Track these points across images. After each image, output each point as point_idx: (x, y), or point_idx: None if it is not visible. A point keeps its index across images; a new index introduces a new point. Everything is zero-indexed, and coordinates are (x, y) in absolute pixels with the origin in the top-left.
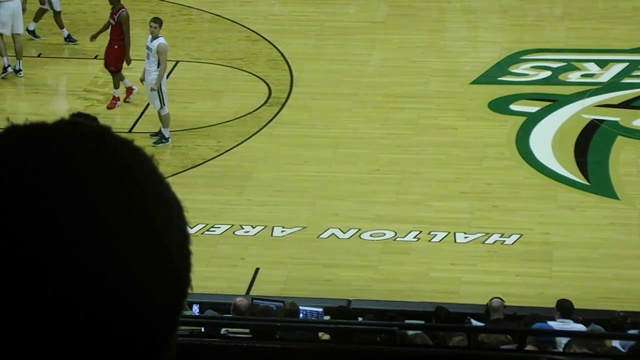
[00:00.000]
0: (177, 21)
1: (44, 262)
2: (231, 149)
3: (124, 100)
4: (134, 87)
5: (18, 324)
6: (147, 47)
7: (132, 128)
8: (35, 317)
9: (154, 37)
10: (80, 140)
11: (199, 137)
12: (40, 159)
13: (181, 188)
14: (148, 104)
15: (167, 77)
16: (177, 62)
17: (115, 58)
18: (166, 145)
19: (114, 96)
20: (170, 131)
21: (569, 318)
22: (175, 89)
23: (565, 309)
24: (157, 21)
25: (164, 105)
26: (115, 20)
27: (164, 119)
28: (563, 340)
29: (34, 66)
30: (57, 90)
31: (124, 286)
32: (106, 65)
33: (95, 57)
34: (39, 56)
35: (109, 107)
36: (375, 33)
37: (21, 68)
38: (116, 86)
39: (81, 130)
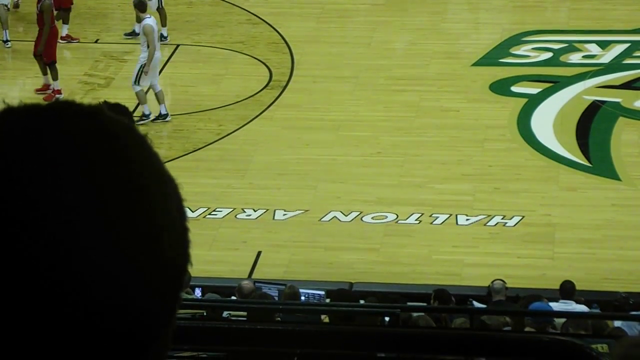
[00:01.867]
0: (178, 4)
1: (41, 243)
2: (232, 132)
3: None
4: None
5: (17, 307)
6: (135, 32)
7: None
8: (33, 301)
9: (139, 21)
10: (74, 119)
11: (200, 120)
12: (37, 138)
13: (182, 172)
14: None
15: (168, 60)
16: (178, 45)
17: (45, 48)
18: (147, 122)
19: (54, 89)
20: (171, 115)
21: (571, 299)
22: (175, 73)
23: (566, 290)
24: (138, 5)
25: (137, 83)
26: (38, 9)
27: (137, 96)
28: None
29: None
30: (59, 75)
31: (119, 266)
32: (35, 55)
33: (96, 42)
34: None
35: (45, 99)
36: (376, 15)
37: (8, 39)
38: (54, 77)
39: (74, 109)
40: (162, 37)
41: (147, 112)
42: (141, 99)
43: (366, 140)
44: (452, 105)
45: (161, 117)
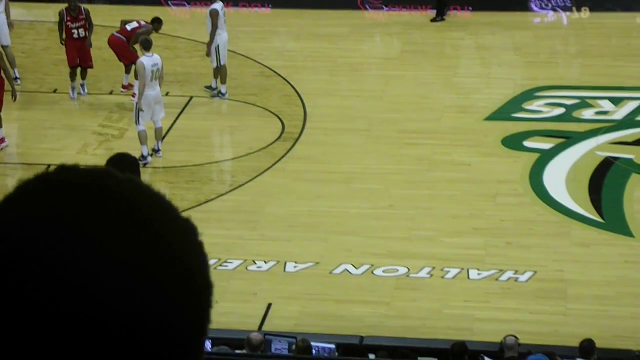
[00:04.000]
0: (192, 57)
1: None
2: (245, 184)
3: None
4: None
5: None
6: None
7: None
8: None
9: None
10: (87, 192)
11: (212, 172)
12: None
13: (195, 223)
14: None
15: (182, 111)
16: (192, 97)
17: None
18: (146, 165)
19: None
20: (185, 167)
21: (590, 359)
22: (189, 124)
23: (585, 349)
24: (143, 43)
25: (137, 123)
26: None
27: (139, 136)
28: None
29: (51, 102)
30: (73, 126)
31: (165, 303)
32: None
33: (110, 93)
34: (54, 92)
35: None
36: (388, 69)
37: (18, 76)
38: None
39: (85, 181)
40: (221, 94)
41: (145, 154)
42: (141, 140)
43: (378, 193)
44: (464, 159)
45: (155, 152)
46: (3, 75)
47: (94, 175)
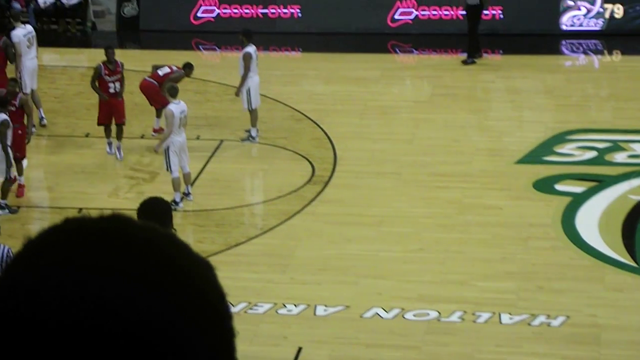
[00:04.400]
0: (222, 101)
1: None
2: (274, 227)
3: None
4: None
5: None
6: None
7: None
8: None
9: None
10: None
11: (242, 215)
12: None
13: (224, 266)
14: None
15: (212, 155)
16: (222, 140)
17: (19, 144)
18: (178, 210)
19: (21, 184)
20: (215, 210)
21: None
22: (219, 167)
23: None
24: (169, 90)
25: (169, 169)
26: (17, 105)
27: (172, 183)
28: None
29: (83, 146)
30: (104, 169)
31: (195, 335)
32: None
33: (142, 137)
34: (86, 136)
35: (18, 196)
36: (419, 112)
37: (43, 115)
38: (20, 173)
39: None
40: (251, 137)
41: (177, 200)
42: (174, 186)
43: (408, 236)
44: (495, 202)
45: (185, 195)
46: (25, 121)
47: (111, 221)
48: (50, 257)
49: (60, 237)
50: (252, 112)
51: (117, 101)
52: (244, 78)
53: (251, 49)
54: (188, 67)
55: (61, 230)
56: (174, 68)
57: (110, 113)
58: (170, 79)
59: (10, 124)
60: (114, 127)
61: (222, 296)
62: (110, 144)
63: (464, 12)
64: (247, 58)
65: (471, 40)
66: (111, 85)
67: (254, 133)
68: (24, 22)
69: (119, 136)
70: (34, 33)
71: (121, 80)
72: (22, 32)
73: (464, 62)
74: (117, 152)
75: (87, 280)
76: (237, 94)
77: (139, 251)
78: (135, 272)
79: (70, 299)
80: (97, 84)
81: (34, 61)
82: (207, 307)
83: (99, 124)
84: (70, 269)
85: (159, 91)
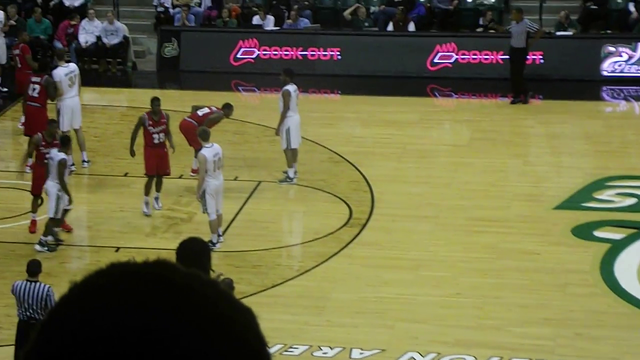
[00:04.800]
0: (261, 142)
1: None
2: (311, 269)
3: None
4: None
5: None
6: None
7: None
8: None
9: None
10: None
11: (279, 256)
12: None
13: (260, 307)
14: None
15: (250, 196)
16: (260, 182)
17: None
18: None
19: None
20: (252, 250)
21: None
22: (256, 209)
23: None
24: (201, 134)
25: (206, 211)
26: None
27: (209, 225)
28: None
29: (121, 185)
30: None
31: None
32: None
33: (180, 177)
34: (125, 175)
35: (31, 231)
36: (457, 156)
37: (86, 159)
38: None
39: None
40: (288, 178)
41: (215, 241)
42: (212, 228)
43: (445, 280)
44: (533, 247)
45: (217, 237)
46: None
47: (156, 266)
48: (94, 302)
49: (105, 282)
50: (291, 152)
51: (162, 152)
52: (283, 116)
53: (291, 87)
54: (227, 108)
55: (106, 275)
56: (214, 109)
57: (155, 164)
58: (209, 119)
59: (67, 163)
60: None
61: (263, 343)
62: (147, 203)
63: (506, 57)
64: (286, 95)
65: (517, 82)
66: (155, 136)
67: (291, 174)
68: (67, 61)
69: (159, 187)
70: (77, 72)
71: (166, 132)
72: (64, 71)
73: (513, 102)
74: (155, 203)
75: (130, 326)
76: (277, 132)
77: (182, 298)
78: (178, 319)
79: (113, 344)
80: (138, 134)
81: (75, 99)
82: (249, 353)
83: (146, 174)
84: (114, 314)
85: None
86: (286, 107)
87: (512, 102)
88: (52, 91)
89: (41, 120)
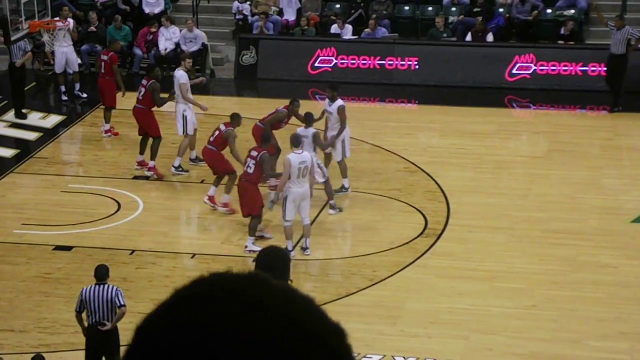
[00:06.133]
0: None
1: None
2: (386, 278)
3: None
4: None
5: None
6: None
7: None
8: None
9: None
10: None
11: (354, 265)
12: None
13: (335, 316)
14: None
15: (325, 204)
16: (336, 191)
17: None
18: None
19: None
20: (328, 259)
21: None
22: (332, 217)
23: None
24: (292, 140)
25: (284, 217)
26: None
27: (284, 230)
28: None
29: (198, 192)
30: (218, 216)
31: None
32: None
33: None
34: (202, 182)
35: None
36: (534, 168)
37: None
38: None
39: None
40: (344, 188)
41: (289, 248)
42: (286, 234)
43: (521, 292)
44: (610, 261)
45: (302, 250)
46: None
47: (252, 281)
48: (190, 312)
49: (203, 292)
50: (342, 163)
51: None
52: (341, 130)
53: (342, 101)
54: (292, 103)
55: (204, 285)
56: (279, 108)
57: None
58: (272, 119)
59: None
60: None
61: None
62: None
63: (584, 68)
64: (342, 111)
65: (617, 88)
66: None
67: (346, 184)
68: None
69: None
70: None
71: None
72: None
73: (611, 110)
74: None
75: (225, 343)
76: (334, 146)
77: (278, 317)
78: (272, 337)
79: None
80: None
81: (190, 111)
82: None
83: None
84: (209, 329)
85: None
86: (344, 121)
87: (611, 111)
88: (156, 97)
89: (147, 122)
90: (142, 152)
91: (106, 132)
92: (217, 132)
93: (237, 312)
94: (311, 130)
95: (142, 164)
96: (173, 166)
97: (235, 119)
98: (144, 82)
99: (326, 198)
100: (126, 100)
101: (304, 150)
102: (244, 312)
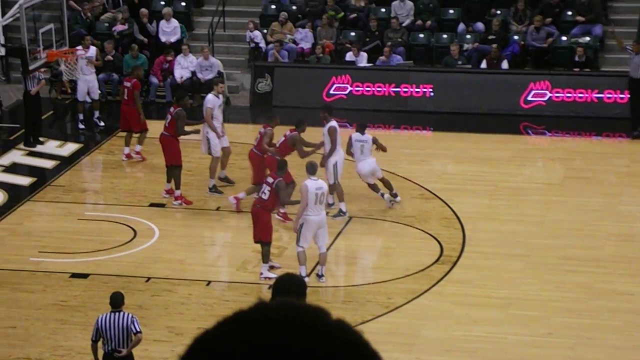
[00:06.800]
0: (352, 177)
1: None
2: (401, 306)
3: None
4: None
5: None
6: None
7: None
8: None
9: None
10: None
11: (369, 292)
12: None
13: None
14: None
15: (340, 231)
16: (351, 217)
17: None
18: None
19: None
20: (342, 286)
21: None
22: (347, 244)
23: None
24: (308, 169)
25: (298, 243)
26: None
27: (298, 256)
28: None
29: (213, 219)
30: (234, 242)
31: None
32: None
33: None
34: (217, 209)
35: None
36: (550, 195)
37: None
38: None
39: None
40: (342, 212)
41: (303, 274)
42: (299, 260)
43: (537, 320)
44: (627, 288)
45: (318, 277)
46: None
47: (310, 313)
48: (235, 342)
49: (251, 321)
50: (338, 187)
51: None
52: (332, 151)
53: (335, 123)
54: (299, 124)
55: (249, 316)
56: (288, 133)
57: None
58: (264, 141)
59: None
60: None
61: None
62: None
63: (600, 95)
64: (333, 132)
65: (638, 112)
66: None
67: (344, 208)
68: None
69: None
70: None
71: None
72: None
73: (634, 137)
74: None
75: None
76: (322, 164)
77: (338, 344)
78: None
79: None
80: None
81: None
82: None
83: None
84: (272, 351)
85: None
86: (335, 143)
87: (634, 137)
88: (180, 125)
89: (169, 149)
90: (169, 181)
91: (127, 156)
92: (282, 139)
93: (298, 337)
94: (368, 136)
95: (169, 192)
96: (208, 188)
97: (300, 125)
98: (171, 109)
99: (342, 224)
100: (150, 128)
101: (366, 156)
102: (306, 338)
